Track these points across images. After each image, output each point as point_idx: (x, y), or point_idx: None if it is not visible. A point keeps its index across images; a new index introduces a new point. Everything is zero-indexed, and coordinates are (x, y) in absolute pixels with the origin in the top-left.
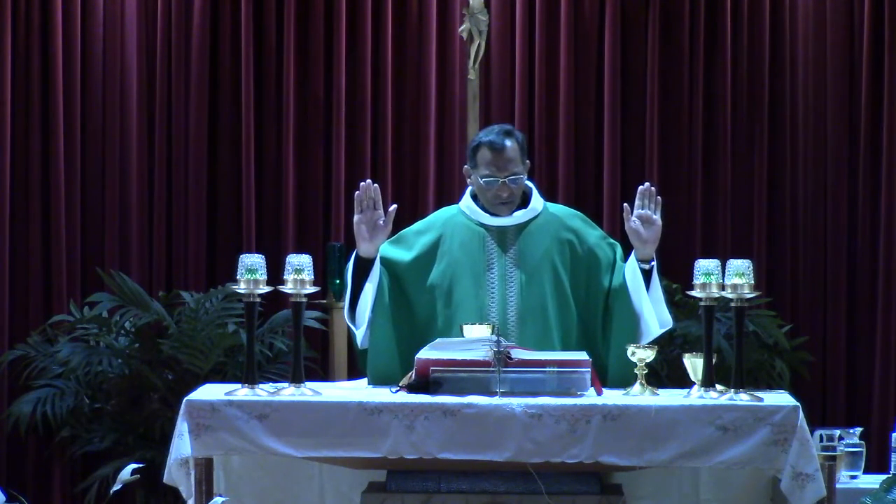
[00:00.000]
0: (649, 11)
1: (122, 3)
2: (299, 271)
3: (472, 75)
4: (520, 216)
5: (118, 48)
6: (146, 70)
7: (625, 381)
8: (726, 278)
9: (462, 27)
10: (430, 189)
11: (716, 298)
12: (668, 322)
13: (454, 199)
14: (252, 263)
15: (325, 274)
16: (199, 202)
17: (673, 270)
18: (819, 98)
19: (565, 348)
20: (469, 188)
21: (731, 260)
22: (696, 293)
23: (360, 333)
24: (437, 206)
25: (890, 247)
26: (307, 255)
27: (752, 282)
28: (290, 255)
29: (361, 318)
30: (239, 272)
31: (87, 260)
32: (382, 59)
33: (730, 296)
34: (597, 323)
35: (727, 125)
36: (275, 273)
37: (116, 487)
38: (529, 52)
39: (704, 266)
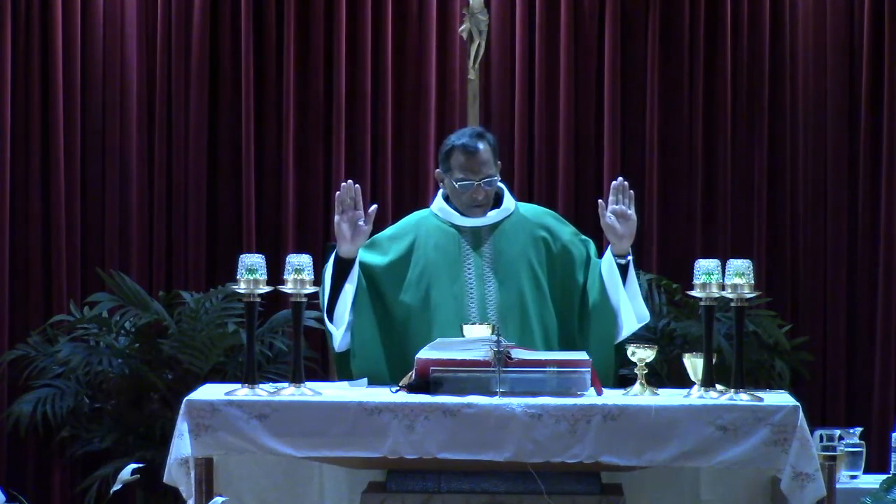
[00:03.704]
0: (649, 11)
1: (122, 2)
2: (299, 271)
3: (472, 75)
4: (493, 216)
5: (118, 48)
6: (146, 70)
7: (603, 377)
8: (726, 278)
9: (462, 27)
10: (430, 189)
11: (716, 298)
12: (646, 316)
13: None
14: (252, 263)
15: None
16: (199, 202)
17: (673, 270)
18: (819, 98)
19: (547, 345)
20: (440, 191)
21: (731, 260)
22: (696, 293)
23: (338, 335)
24: None
25: (890, 247)
26: (307, 255)
27: (752, 282)
28: (290, 255)
29: (340, 318)
30: (239, 272)
31: (87, 260)
32: (382, 59)
33: (730, 296)
34: (573, 320)
35: (727, 125)
36: (275, 273)
37: (116, 487)
38: (529, 52)
39: (704, 266)
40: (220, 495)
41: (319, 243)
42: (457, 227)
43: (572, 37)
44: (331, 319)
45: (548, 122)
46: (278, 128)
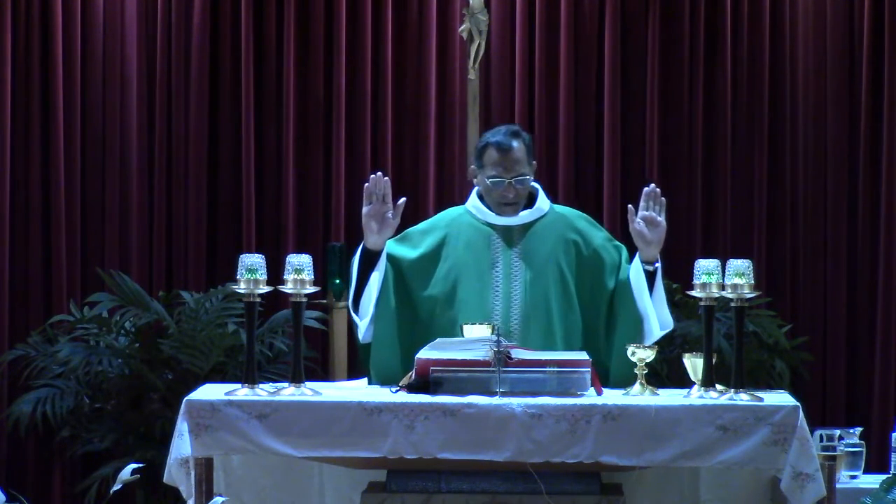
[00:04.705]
0: (649, 12)
1: (122, 3)
2: (299, 271)
3: (472, 75)
4: (526, 216)
5: (118, 48)
6: (146, 69)
7: (626, 381)
8: (726, 278)
9: (462, 27)
10: (430, 189)
11: (716, 298)
12: (670, 324)
13: (454, 198)
14: (252, 263)
15: (325, 274)
16: (199, 202)
17: (673, 270)
18: (819, 98)
19: (568, 348)
20: (476, 188)
21: (731, 260)
22: (696, 293)
23: (362, 326)
24: (437, 206)
25: (890, 246)
26: (307, 255)
27: (752, 282)
28: (290, 255)
29: (365, 309)
30: (239, 272)
31: (87, 260)
32: (382, 59)
33: (730, 296)
34: (599, 323)
35: (727, 125)
36: (275, 273)
37: (116, 487)
38: (529, 52)
39: (704, 266)
40: (220, 495)
41: (319, 243)
42: (490, 225)
43: (572, 37)
44: (357, 310)
45: (548, 122)
46: (278, 128)
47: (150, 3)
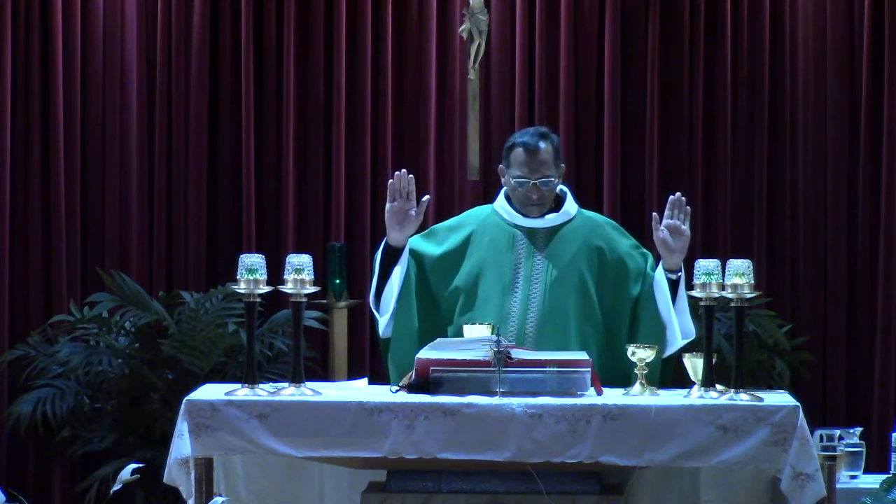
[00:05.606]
0: (649, 11)
1: (122, 3)
2: (299, 271)
3: (472, 75)
4: (552, 219)
5: (118, 48)
6: (146, 70)
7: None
8: (726, 278)
9: (462, 27)
10: (430, 189)
11: (716, 298)
12: (692, 333)
13: (453, 198)
14: (252, 263)
15: (325, 274)
16: (199, 202)
17: None
18: (819, 98)
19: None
20: (503, 188)
21: (731, 260)
22: (696, 293)
23: (383, 321)
24: (437, 206)
25: (890, 247)
26: (307, 255)
27: (752, 282)
28: (290, 255)
29: (386, 305)
30: (239, 272)
31: (87, 260)
32: (382, 59)
33: (730, 296)
34: (623, 330)
35: (727, 125)
36: (275, 273)
37: (116, 487)
38: (529, 52)
39: (704, 266)
40: (220, 495)
41: (319, 243)
42: (516, 227)
43: (572, 37)
44: (378, 306)
45: (548, 122)
46: (278, 128)
47: (150, 3)
